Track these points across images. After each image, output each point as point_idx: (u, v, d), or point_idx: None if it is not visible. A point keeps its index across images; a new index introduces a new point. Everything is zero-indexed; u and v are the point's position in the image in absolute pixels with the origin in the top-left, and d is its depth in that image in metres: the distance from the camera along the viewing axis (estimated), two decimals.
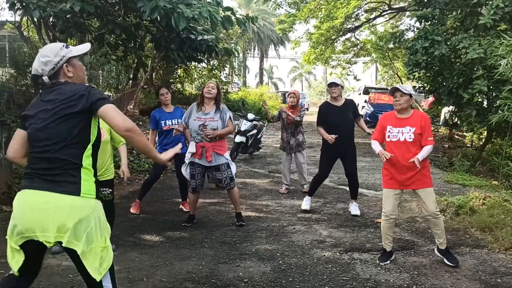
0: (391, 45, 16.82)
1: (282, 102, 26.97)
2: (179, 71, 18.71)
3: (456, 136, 14.57)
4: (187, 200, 5.60)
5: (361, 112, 19.84)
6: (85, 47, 2.44)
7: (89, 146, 2.21)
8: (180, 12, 6.05)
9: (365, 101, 18.90)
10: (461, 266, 3.96)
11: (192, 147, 4.91)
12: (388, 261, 4.03)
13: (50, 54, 2.24)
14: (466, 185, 7.35)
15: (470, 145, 12.84)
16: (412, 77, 10.34)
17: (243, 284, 3.59)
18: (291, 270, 3.88)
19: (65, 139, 2.15)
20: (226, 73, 22.75)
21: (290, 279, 3.69)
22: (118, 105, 12.99)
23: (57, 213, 2.09)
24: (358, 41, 20.90)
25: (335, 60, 22.13)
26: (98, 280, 2.16)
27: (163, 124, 5.47)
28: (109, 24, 7.21)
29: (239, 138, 9.63)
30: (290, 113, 6.61)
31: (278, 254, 4.25)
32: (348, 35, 20.18)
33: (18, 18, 9.22)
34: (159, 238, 4.74)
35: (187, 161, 4.99)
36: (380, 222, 4.63)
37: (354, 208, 5.71)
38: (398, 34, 13.20)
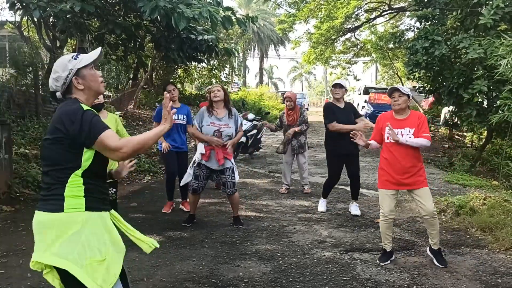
0: (391, 45, 16.79)
1: (282, 102, 26.99)
2: (179, 71, 18.73)
3: (456, 136, 14.57)
4: (187, 200, 5.61)
5: (361, 112, 19.86)
6: (96, 53, 2.26)
7: (78, 172, 2.06)
8: (180, 12, 6.05)
9: (365, 101, 18.90)
10: (461, 266, 3.96)
11: (201, 148, 4.92)
12: (388, 261, 4.03)
13: (59, 70, 2.14)
14: (466, 185, 7.35)
15: (470, 145, 12.85)
16: (412, 77, 10.34)
17: (244, 284, 3.59)
18: (291, 270, 3.88)
19: (53, 164, 2.07)
20: (226, 73, 22.78)
21: (291, 279, 3.69)
22: (118, 105, 13.01)
23: (43, 232, 2.05)
24: (358, 41, 20.88)
25: (335, 60, 22.11)
26: None
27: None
28: (109, 24, 7.21)
29: None
30: (297, 129, 6.65)
31: (279, 254, 4.25)
32: (348, 35, 20.18)
33: (18, 18, 9.23)
34: (159, 238, 4.73)
35: (197, 160, 4.99)
36: (378, 222, 4.63)
37: (354, 208, 5.71)
38: (398, 34, 13.18)
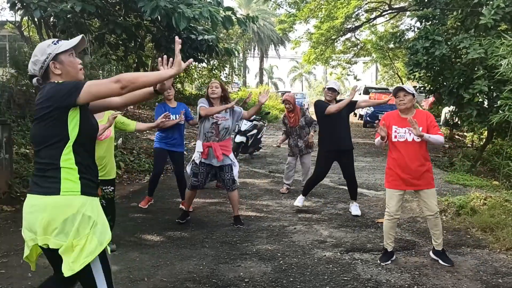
0: (391, 45, 16.80)
1: (282, 102, 26.98)
2: None
3: (457, 136, 14.57)
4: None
5: (361, 112, 19.87)
6: (75, 40, 2.32)
7: (68, 145, 2.12)
8: (180, 12, 6.05)
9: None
10: (462, 266, 3.96)
11: (199, 146, 4.92)
12: (389, 261, 4.03)
13: (38, 53, 2.20)
14: (467, 185, 7.34)
15: (470, 145, 12.84)
16: (412, 77, 10.33)
17: (244, 284, 3.58)
18: (292, 270, 3.88)
19: (41, 141, 2.13)
20: (226, 73, 22.79)
21: (291, 279, 3.68)
22: None
23: (40, 214, 2.08)
24: (358, 41, 20.89)
25: (335, 60, 22.12)
26: (66, 275, 2.08)
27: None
28: (110, 24, 7.21)
29: (239, 138, 9.63)
30: (312, 134, 6.70)
31: (279, 254, 4.25)
32: (348, 35, 20.17)
33: (18, 18, 9.23)
34: (159, 238, 4.74)
35: (196, 160, 4.98)
36: (381, 223, 4.63)
37: (354, 209, 5.71)
38: (398, 34, 13.18)
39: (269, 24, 39.58)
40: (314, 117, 6.28)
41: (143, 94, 2.44)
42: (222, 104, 4.94)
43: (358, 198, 6.41)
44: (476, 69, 8.40)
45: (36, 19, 7.51)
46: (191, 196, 5.21)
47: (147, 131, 11.67)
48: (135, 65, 14.13)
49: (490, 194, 5.93)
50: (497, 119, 6.68)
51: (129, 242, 4.60)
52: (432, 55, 8.72)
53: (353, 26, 19.05)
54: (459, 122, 10.90)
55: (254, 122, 9.95)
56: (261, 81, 45.82)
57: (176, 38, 2.29)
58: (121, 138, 9.02)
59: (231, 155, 5.02)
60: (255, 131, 9.87)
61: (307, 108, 28.78)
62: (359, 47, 20.99)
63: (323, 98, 5.83)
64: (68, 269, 2.07)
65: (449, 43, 8.72)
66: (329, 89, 5.65)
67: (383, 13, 18.35)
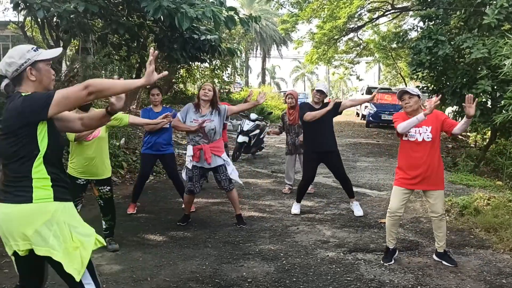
0: (394, 45, 16.77)
1: (284, 102, 26.97)
2: (181, 71, 18.71)
3: (460, 136, 14.53)
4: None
5: (364, 112, 19.84)
6: (56, 51, 2.35)
7: (39, 157, 2.13)
8: (183, 12, 6.05)
9: (369, 101, 18.84)
10: (465, 266, 3.95)
11: (189, 151, 4.91)
12: (393, 261, 4.02)
13: (15, 56, 2.19)
14: (470, 185, 7.32)
15: (474, 145, 12.81)
16: (415, 77, 10.31)
17: (247, 284, 3.58)
18: (295, 270, 3.88)
19: (11, 156, 2.13)
20: (228, 73, 22.74)
21: (294, 279, 3.68)
22: None
23: (15, 222, 2.12)
24: (361, 41, 20.85)
25: (338, 60, 22.06)
26: (78, 280, 2.15)
27: None
28: (113, 24, 7.22)
29: (241, 138, 9.63)
30: (301, 137, 6.68)
31: (282, 254, 4.24)
32: (351, 35, 20.12)
33: (21, 18, 9.24)
34: (162, 238, 4.74)
35: (188, 165, 4.97)
36: (384, 223, 4.61)
37: (357, 209, 5.69)
38: (401, 33, 13.15)
39: (271, 24, 39.56)
40: None
41: (99, 118, 2.46)
42: (210, 107, 4.91)
43: (361, 198, 6.42)
44: (479, 69, 8.37)
45: (39, 19, 7.52)
46: (190, 200, 5.20)
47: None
48: (137, 65, 14.16)
49: (494, 194, 5.92)
50: (501, 119, 6.66)
51: (132, 242, 4.60)
52: (435, 55, 8.70)
53: (356, 26, 19.01)
54: None
55: (257, 122, 9.94)
56: (263, 81, 45.81)
57: (151, 50, 2.26)
58: (123, 138, 9.03)
59: (224, 155, 5.00)
60: (257, 131, 9.87)
61: None
62: (361, 47, 20.95)
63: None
64: (77, 273, 2.14)
65: (452, 43, 8.69)
66: (318, 91, 5.60)
67: (386, 13, 18.31)
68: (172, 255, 4.22)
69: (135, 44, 8.76)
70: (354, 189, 7.16)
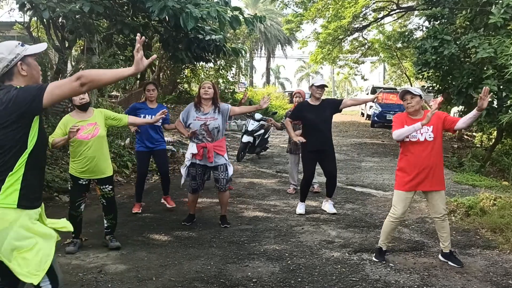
0: (399, 45, 16.70)
1: (289, 102, 26.94)
2: (186, 71, 18.75)
3: (466, 136, 14.47)
4: (169, 195, 5.90)
5: (369, 112, 19.80)
6: (42, 46, 2.35)
7: (24, 154, 2.11)
8: (188, 12, 6.05)
9: (373, 101, 18.79)
10: (471, 267, 3.93)
11: (193, 148, 4.91)
12: (384, 261, 4.04)
13: (4, 51, 2.18)
14: (476, 185, 7.29)
15: (479, 145, 12.74)
16: (421, 76, 10.27)
17: (252, 284, 3.58)
18: (300, 270, 3.87)
19: None
20: (233, 73, 22.77)
21: (299, 279, 3.67)
22: (126, 104, 13.05)
23: None
24: (366, 41, 20.77)
25: (343, 60, 22.01)
26: (35, 283, 2.11)
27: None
28: (118, 24, 7.23)
29: (246, 138, 9.63)
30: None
31: (287, 254, 4.24)
32: (356, 34, 20.04)
33: (27, 19, 9.28)
34: (167, 238, 4.74)
35: (187, 162, 4.98)
36: None
37: (330, 207, 5.72)
38: (406, 33, 13.10)
39: (276, 24, 39.53)
40: None
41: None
42: (212, 105, 4.93)
43: (366, 198, 6.41)
44: (485, 68, 8.33)
45: (44, 20, 7.54)
46: (194, 200, 5.21)
47: None
48: None
49: (500, 194, 5.88)
50: (507, 119, 6.63)
51: (137, 242, 4.61)
52: (441, 54, 8.66)
53: (361, 26, 18.95)
54: None
55: (261, 122, 9.93)
56: (268, 81, 45.79)
57: (138, 36, 2.23)
58: (128, 138, 9.05)
59: (226, 155, 5.02)
60: (262, 131, 9.86)
61: None
62: (366, 46, 20.87)
63: (325, 97, 5.78)
64: (31, 277, 2.09)
65: (458, 42, 8.65)
66: (319, 86, 5.56)
67: (391, 13, 18.24)
68: (177, 254, 4.23)
69: None
70: (359, 189, 7.20)
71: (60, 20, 7.56)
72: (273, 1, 19.43)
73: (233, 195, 6.64)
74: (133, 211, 5.68)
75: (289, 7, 18.94)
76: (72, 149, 4.23)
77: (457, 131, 4.13)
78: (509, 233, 4.62)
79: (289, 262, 4.05)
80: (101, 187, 4.31)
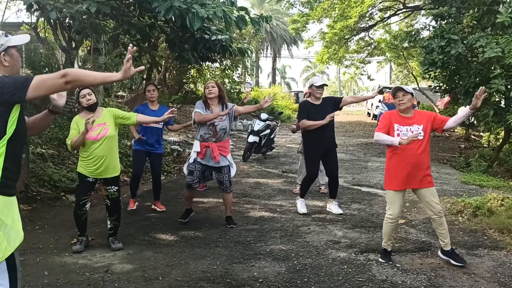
0: (405, 44, 16.61)
1: (295, 102, 26.93)
2: (192, 71, 18.78)
3: (473, 136, 14.38)
4: (160, 200, 5.92)
5: (375, 112, 19.73)
6: (25, 38, 2.34)
7: (3, 140, 2.06)
8: (194, 12, 6.05)
9: (379, 101, 18.75)
10: (479, 268, 3.91)
11: (197, 146, 4.92)
12: (391, 261, 4.02)
13: None
14: (484, 186, 7.25)
15: (487, 146, 12.66)
16: (427, 76, 10.22)
17: (258, 284, 3.58)
18: (306, 270, 3.86)
19: None
20: (239, 73, 22.78)
21: (305, 280, 3.66)
22: (132, 104, 13.10)
23: None
24: (372, 40, 20.70)
25: (349, 60, 21.95)
26: None
27: None
28: (124, 25, 7.25)
29: (252, 138, 9.63)
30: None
31: (293, 254, 4.23)
32: (362, 34, 19.98)
33: (34, 19, 9.33)
34: (173, 237, 4.75)
35: (191, 159, 4.99)
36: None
37: (335, 208, 5.70)
38: (413, 33, 13.03)
39: (282, 24, 39.51)
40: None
41: (43, 117, 2.44)
42: (219, 103, 4.95)
43: (372, 198, 6.39)
44: (492, 68, 8.27)
45: (51, 21, 7.58)
46: (190, 195, 5.19)
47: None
48: (148, 65, 14.25)
49: (508, 195, 5.84)
50: None
51: (143, 241, 4.62)
52: (448, 54, 8.61)
53: (367, 25, 18.89)
54: (475, 122, 10.75)
55: (267, 122, 9.94)
56: (273, 81, 45.76)
57: (129, 46, 2.24)
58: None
59: (229, 156, 5.03)
60: (268, 131, 9.86)
61: None
62: (373, 46, 20.79)
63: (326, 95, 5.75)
64: None
65: (465, 42, 8.60)
66: (319, 87, 5.54)
67: (398, 12, 18.17)
68: (183, 254, 4.24)
69: (147, 45, 8.79)
70: (365, 189, 7.18)
71: (67, 20, 7.60)
72: (279, 1, 19.42)
73: (239, 195, 6.65)
74: (128, 208, 5.74)
75: (295, 7, 18.93)
76: (81, 149, 4.25)
77: (444, 131, 4.16)
78: None
79: (295, 262, 4.05)
80: (107, 188, 4.33)
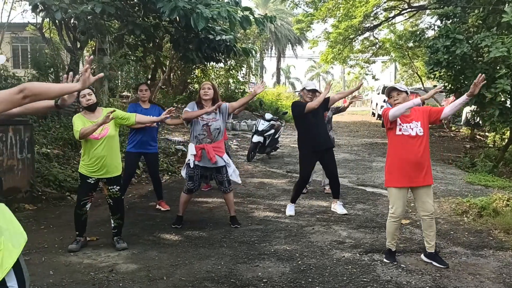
0: (410, 44, 16.57)
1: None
2: (196, 71, 18.80)
3: (478, 136, 14.30)
4: (164, 200, 5.92)
5: (380, 111, 19.64)
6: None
7: None
8: (199, 12, 6.06)
9: (384, 101, 18.67)
10: (484, 268, 3.89)
11: (192, 149, 4.92)
12: (396, 261, 4.01)
13: None
14: (489, 186, 7.21)
15: (492, 146, 12.59)
16: (433, 76, 10.18)
17: (262, 284, 3.58)
18: (310, 270, 3.86)
19: None
20: (243, 73, 22.77)
21: (310, 280, 3.66)
22: None
23: None
24: (377, 40, 20.66)
25: (353, 60, 21.92)
26: None
27: None
28: (129, 25, 7.28)
29: (256, 138, 9.63)
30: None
31: (297, 255, 4.23)
32: (367, 34, 19.95)
33: (40, 20, 9.38)
34: (178, 237, 4.76)
35: (190, 164, 4.98)
36: (403, 224, 4.57)
37: (340, 208, 5.69)
38: (418, 32, 13.01)
39: (286, 24, 39.50)
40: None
41: (44, 106, 2.42)
42: (212, 104, 4.87)
43: (377, 199, 6.37)
44: (498, 67, 8.23)
45: (57, 21, 7.62)
46: (186, 201, 5.17)
47: (165, 131, 11.78)
48: (153, 65, 14.29)
49: None
50: None
51: (148, 241, 4.63)
52: (453, 53, 8.57)
53: (372, 25, 18.86)
54: (480, 122, 10.70)
55: (272, 122, 9.93)
56: (278, 81, 45.75)
57: (86, 56, 2.26)
58: None
59: (225, 156, 5.01)
60: (272, 131, 9.86)
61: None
62: (377, 46, 20.75)
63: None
64: None
65: (470, 41, 8.56)
66: (310, 90, 5.55)
67: (402, 12, 18.12)
68: (187, 254, 4.24)
69: (151, 45, 8.82)
70: (370, 189, 7.16)
71: (72, 21, 7.64)
72: (283, 1, 19.44)
73: (243, 195, 6.65)
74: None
75: (300, 7, 18.93)
76: (82, 148, 4.27)
77: (443, 120, 4.15)
78: None
79: (299, 262, 4.04)
80: (109, 187, 4.35)
